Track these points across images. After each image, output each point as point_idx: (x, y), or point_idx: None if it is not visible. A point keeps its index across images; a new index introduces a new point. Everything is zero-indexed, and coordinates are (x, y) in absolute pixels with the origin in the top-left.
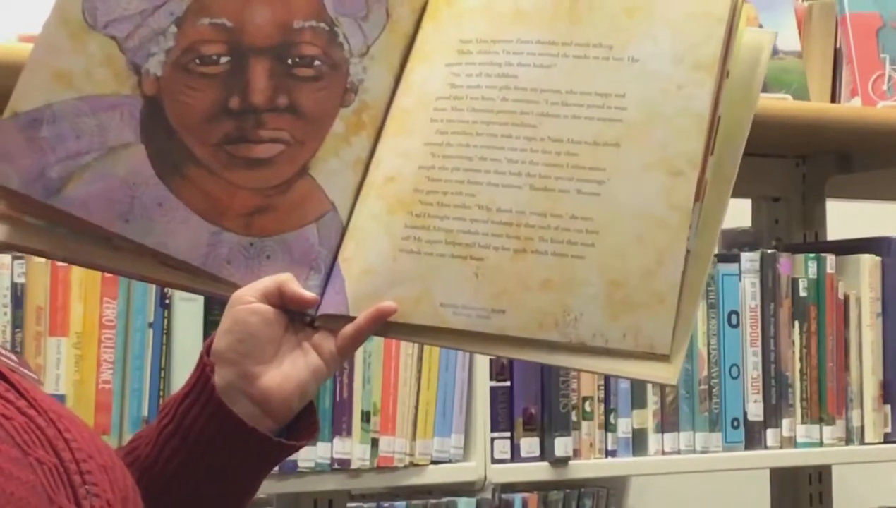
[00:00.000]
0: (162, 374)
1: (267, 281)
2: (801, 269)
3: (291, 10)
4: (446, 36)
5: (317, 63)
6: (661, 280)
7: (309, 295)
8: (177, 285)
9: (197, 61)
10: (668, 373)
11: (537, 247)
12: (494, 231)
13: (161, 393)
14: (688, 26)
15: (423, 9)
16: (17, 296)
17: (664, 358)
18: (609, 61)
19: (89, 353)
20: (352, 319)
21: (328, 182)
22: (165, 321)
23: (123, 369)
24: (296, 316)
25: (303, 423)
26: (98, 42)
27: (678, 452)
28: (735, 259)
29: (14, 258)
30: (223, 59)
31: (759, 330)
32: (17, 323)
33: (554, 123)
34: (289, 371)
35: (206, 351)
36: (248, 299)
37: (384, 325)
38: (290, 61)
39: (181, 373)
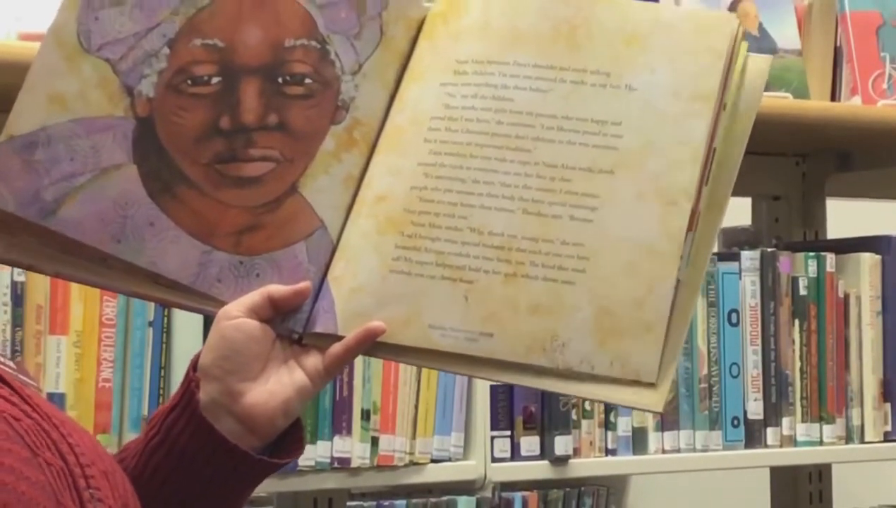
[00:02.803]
0: (162, 373)
1: (254, 296)
2: (801, 268)
3: (283, 29)
4: (442, 55)
5: (307, 81)
6: (650, 309)
7: (301, 284)
8: (169, 302)
9: (189, 82)
10: (653, 400)
11: (528, 272)
12: (485, 254)
13: (161, 392)
14: (687, 59)
15: (420, 27)
16: (17, 295)
17: (650, 385)
18: (606, 89)
19: (89, 352)
20: (340, 338)
21: (317, 199)
22: (165, 320)
23: (123, 368)
24: (283, 333)
25: (288, 439)
26: (92, 64)
27: (678, 451)
28: (735, 257)
29: None
30: (214, 80)
31: (759, 329)
32: (17, 321)
33: (549, 148)
34: (274, 388)
35: (193, 366)
36: (234, 314)
37: (372, 345)
38: (280, 80)
39: (181, 372)
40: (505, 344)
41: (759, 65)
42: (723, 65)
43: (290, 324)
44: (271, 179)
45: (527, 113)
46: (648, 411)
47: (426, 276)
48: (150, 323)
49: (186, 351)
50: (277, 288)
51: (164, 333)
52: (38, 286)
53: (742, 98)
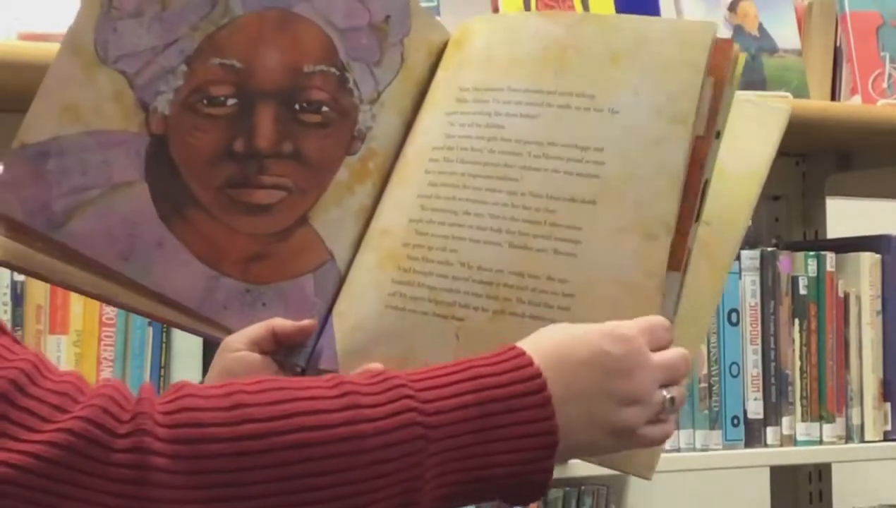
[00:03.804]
0: (162, 372)
1: (258, 329)
2: (801, 267)
3: (302, 53)
4: (450, 83)
5: (325, 109)
6: None
7: (305, 321)
8: (173, 323)
9: (204, 101)
10: (643, 470)
11: (514, 309)
12: (475, 290)
13: (160, 391)
14: (667, 75)
15: (441, 52)
16: (17, 295)
17: (639, 454)
18: (591, 112)
19: (89, 351)
20: None
21: (328, 231)
22: None
23: (123, 367)
24: (286, 365)
25: None
26: (108, 76)
27: (678, 450)
28: (735, 257)
29: None
30: (230, 101)
31: (759, 329)
32: (18, 321)
33: (535, 177)
34: None
35: None
36: (237, 347)
37: None
38: (297, 106)
39: (181, 371)
40: None
41: (777, 116)
42: (699, 80)
43: (293, 358)
44: (282, 208)
45: (515, 140)
46: (640, 476)
47: (419, 313)
48: (150, 323)
49: (186, 350)
50: (282, 324)
51: (163, 333)
52: (38, 286)
53: (755, 142)
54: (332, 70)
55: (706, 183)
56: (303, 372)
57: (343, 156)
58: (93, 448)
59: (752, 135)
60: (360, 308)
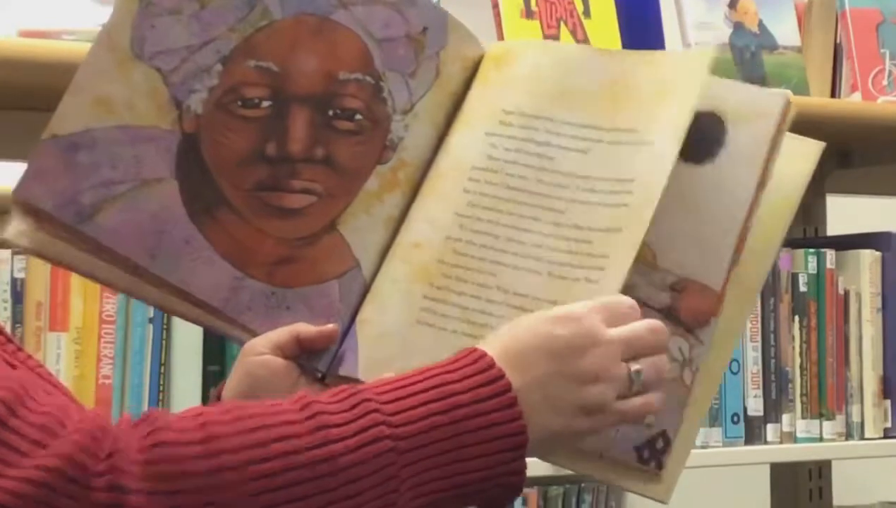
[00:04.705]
0: (162, 370)
1: (280, 333)
2: (801, 264)
3: (339, 60)
4: (491, 102)
5: (358, 117)
6: None
7: (329, 326)
8: (195, 320)
9: (238, 103)
10: (659, 493)
11: None
12: (509, 314)
13: (161, 389)
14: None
15: (475, 67)
16: (17, 291)
17: (657, 477)
18: (634, 146)
19: (89, 348)
20: (361, 382)
21: (355, 239)
22: (165, 317)
23: (123, 364)
24: (307, 369)
25: None
26: (143, 72)
27: None
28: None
29: (14, 253)
30: (264, 103)
31: (759, 326)
32: (17, 318)
33: (579, 210)
34: None
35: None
36: (260, 350)
37: None
38: (331, 113)
39: (181, 369)
40: None
41: (809, 149)
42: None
43: (315, 362)
44: (311, 213)
45: (565, 173)
46: (656, 500)
47: (449, 331)
48: (151, 320)
49: (186, 347)
50: (306, 329)
51: (164, 330)
52: (38, 282)
53: (789, 178)
54: (368, 79)
55: (747, 228)
56: (323, 378)
57: (374, 165)
58: (70, 486)
59: (787, 166)
60: (386, 318)
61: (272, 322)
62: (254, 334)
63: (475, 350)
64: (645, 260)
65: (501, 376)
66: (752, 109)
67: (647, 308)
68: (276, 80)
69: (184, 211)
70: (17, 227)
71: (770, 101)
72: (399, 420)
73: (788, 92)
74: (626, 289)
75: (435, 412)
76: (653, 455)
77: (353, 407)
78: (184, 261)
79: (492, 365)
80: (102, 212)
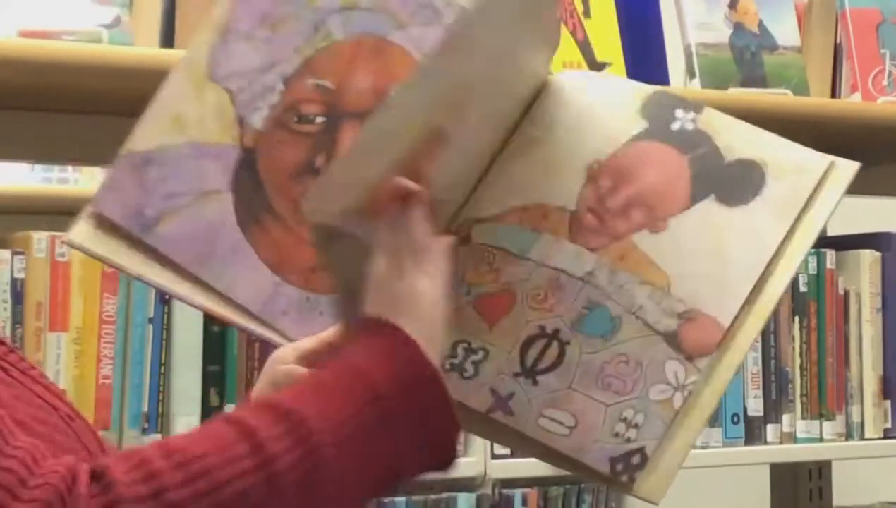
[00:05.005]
0: (162, 370)
1: (308, 342)
2: (801, 265)
3: (391, 78)
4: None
5: None
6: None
7: None
8: (232, 323)
9: (295, 119)
10: (650, 491)
11: None
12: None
13: (161, 389)
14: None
15: (530, 103)
16: (17, 292)
17: (626, 488)
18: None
19: (89, 349)
20: None
21: None
22: (165, 317)
23: (123, 364)
24: None
25: None
26: (215, 93)
27: None
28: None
29: (14, 253)
30: (319, 119)
31: None
32: (17, 318)
33: None
34: None
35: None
36: (287, 359)
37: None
38: None
39: (181, 369)
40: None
41: (838, 174)
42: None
43: None
44: None
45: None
46: (647, 500)
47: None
48: (150, 320)
49: (186, 347)
50: (335, 336)
51: (164, 330)
52: (38, 283)
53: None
54: None
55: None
56: None
57: None
58: None
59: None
60: None
61: (306, 326)
62: (289, 339)
63: (386, 324)
64: (659, 286)
65: (419, 351)
66: (795, 166)
67: (648, 330)
68: (332, 97)
69: (234, 220)
70: (80, 231)
71: (814, 162)
72: (328, 426)
73: (838, 160)
74: (635, 310)
75: (361, 407)
76: (626, 469)
77: (281, 421)
78: (230, 268)
79: (406, 340)
80: (163, 223)
